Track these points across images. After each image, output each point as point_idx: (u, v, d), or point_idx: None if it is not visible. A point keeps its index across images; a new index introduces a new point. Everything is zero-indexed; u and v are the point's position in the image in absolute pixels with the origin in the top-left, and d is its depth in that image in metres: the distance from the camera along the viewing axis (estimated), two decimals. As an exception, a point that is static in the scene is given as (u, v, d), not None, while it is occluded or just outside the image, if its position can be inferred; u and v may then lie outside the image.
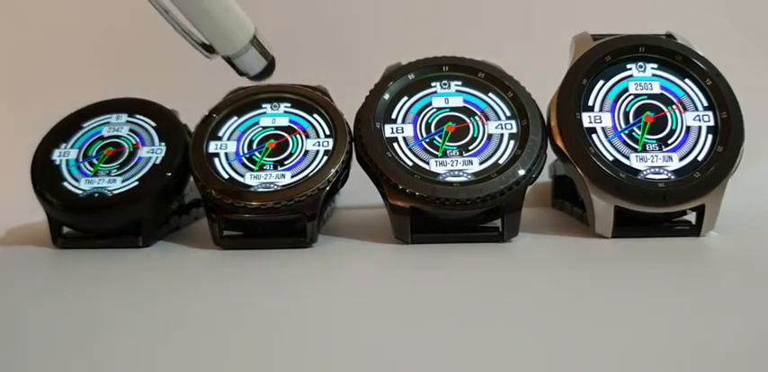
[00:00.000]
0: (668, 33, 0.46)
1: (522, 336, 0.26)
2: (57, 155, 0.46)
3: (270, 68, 0.41)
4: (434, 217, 0.42)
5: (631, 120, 0.43)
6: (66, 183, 0.44)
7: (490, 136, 0.44)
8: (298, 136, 0.44)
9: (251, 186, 0.42)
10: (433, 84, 0.45)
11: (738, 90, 0.44)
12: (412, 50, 0.46)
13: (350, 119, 0.45)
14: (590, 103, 0.44)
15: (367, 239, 0.45)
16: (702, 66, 0.44)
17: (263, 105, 0.46)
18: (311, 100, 0.46)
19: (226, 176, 0.43)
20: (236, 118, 0.45)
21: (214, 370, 0.24)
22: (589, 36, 0.46)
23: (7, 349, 0.26)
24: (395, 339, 0.26)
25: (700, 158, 0.42)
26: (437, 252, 0.41)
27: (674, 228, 0.43)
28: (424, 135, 0.44)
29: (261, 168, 0.43)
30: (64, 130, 0.47)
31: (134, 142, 0.46)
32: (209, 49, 0.39)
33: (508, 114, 0.44)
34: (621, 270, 0.36)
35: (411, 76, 0.45)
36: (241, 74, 0.40)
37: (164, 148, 0.46)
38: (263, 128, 0.45)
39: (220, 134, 0.45)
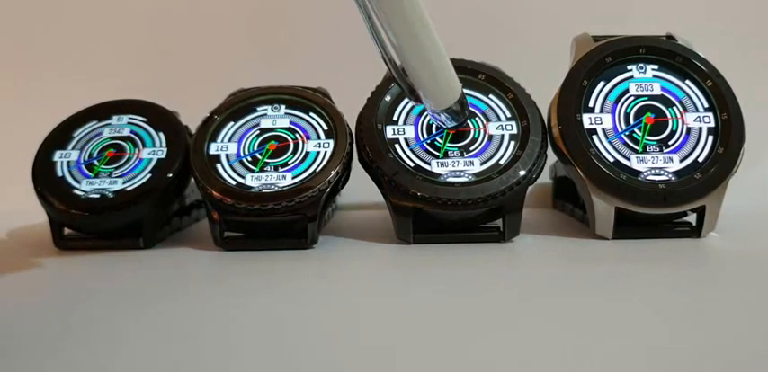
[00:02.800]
0: (669, 34, 0.46)
1: (523, 336, 0.26)
2: (58, 157, 0.46)
3: (456, 125, 0.42)
4: (436, 217, 0.43)
5: (632, 122, 0.43)
6: (67, 185, 0.44)
7: (491, 137, 0.44)
8: (298, 137, 0.44)
9: (252, 187, 0.42)
10: (433, 85, 0.45)
11: (739, 91, 0.44)
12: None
13: (351, 121, 0.45)
14: (590, 104, 0.44)
15: (368, 239, 0.45)
16: (703, 67, 0.44)
17: (264, 107, 0.46)
18: (312, 101, 0.46)
19: (227, 177, 0.43)
20: (237, 119, 0.45)
21: (215, 371, 0.24)
22: (590, 37, 0.46)
23: (7, 349, 0.26)
24: (396, 339, 0.26)
25: (700, 159, 0.42)
26: (439, 252, 0.41)
27: (674, 229, 0.43)
28: (426, 136, 0.44)
29: (262, 169, 0.43)
30: (65, 131, 0.47)
31: (135, 143, 0.46)
32: (414, 95, 0.40)
33: (508, 115, 0.44)
34: (622, 271, 0.36)
35: (412, 78, 0.45)
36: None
37: (165, 150, 0.46)
38: (264, 129, 0.45)
39: (221, 135, 0.45)
